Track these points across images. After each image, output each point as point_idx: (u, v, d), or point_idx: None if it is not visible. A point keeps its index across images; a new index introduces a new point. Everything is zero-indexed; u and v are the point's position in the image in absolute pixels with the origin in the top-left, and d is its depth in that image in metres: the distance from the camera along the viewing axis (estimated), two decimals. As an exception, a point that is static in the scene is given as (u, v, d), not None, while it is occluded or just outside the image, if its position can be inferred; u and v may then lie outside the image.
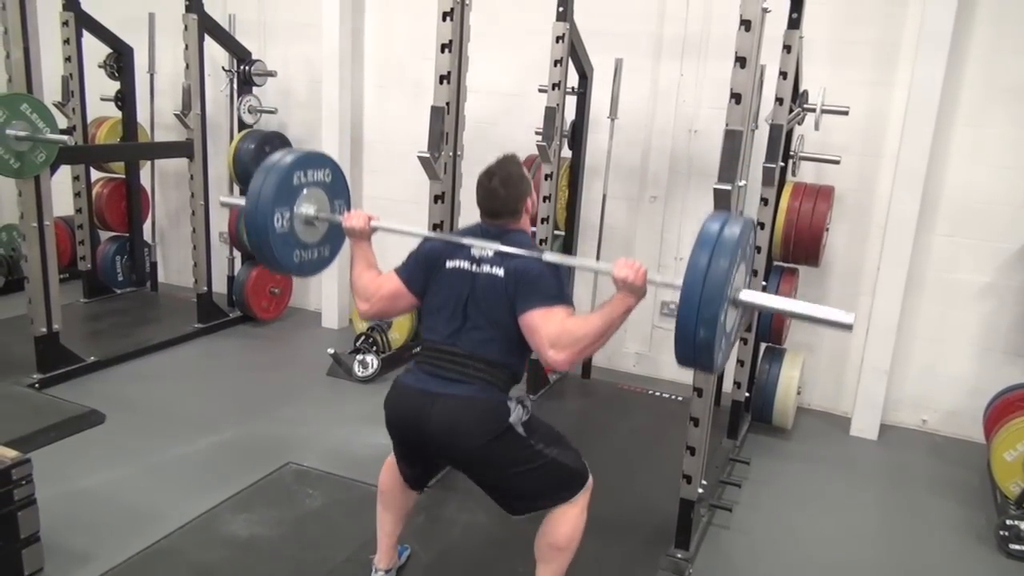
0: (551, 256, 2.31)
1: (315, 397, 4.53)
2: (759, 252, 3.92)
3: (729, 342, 2.14)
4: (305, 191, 2.62)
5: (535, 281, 2.25)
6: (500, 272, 2.29)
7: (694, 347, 1.94)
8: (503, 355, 2.31)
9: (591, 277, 4.88)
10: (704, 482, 3.07)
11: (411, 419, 2.32)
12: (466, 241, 2.38)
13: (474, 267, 2.34)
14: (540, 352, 2.22)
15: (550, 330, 2.18)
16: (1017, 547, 3.27)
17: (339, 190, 2.76)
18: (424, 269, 2.44)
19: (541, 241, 4.34)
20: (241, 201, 2.63)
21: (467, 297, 2.32)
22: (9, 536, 2.65)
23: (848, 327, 2.00)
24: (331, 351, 4.74)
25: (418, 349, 2.44)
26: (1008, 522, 3.30)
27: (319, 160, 2.69)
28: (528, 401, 2.37)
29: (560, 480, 2.36)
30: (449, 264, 2.38)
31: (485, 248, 2.34)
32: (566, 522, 2.36)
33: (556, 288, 2.26)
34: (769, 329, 4.23)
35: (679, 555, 3.04)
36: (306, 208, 2.62)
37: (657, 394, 4.70)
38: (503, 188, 2.40)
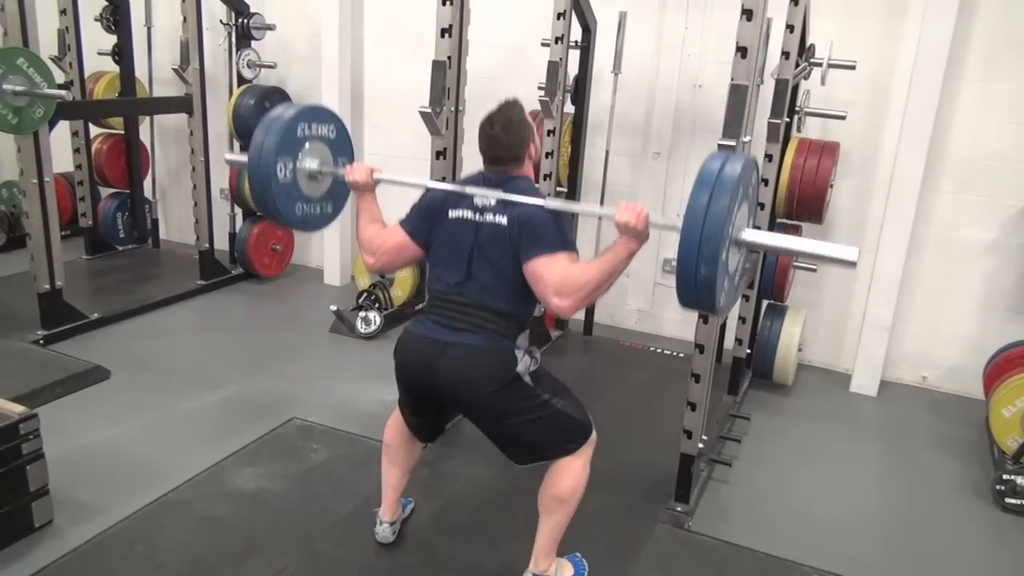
0: (553, 203, 2.30)
1: (318, 353, 4.55)
2: (762, 209, 3.90)
3: (733, 284, 2.12)
4: (308, 144, 2.63)
5: (538, 229, 2.25)
6: (503, 220, 2.29)
7: (696, 286, 1.93)
8: (509, 303, 2.32)
9: (594, 225, 4.86)
10: (704, 437, 3.10)
11: (421, 366, 2.33)
12: (468, 190, 2.37)
13: (477, 216, 2.34)
14: (544, 299, 2.24)
15: (554, 277, 2.20)
16: (1013, 501, 3.32)
17: (343, 147, 2.77)
18: (427, 219, 2.43)
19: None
20: (245, 158, 2.63)
21: (472, 246, 2.33)
22: (19, 489, 2.70)
23: (852, 264, 1.97)
24: (334, 308, 4.75)
25: (426, 299, 2.44)
26: (1005, 476, 3.34)
27: (323, 115, 2.69)
28: (537, 352, 2.38)
29: (565, 431, 2.38)
30: (452, 214, 2.38)
31: (488, 196, 2.33)
32: (569, 474, 2.39)
33: (559, 235, 2.26)
34: (771, 286, 4.23)
35: (679, 508, 3.08)
36: (309, 161, 2.64)
37: (659, 351, 4.72)
38: (504, 135, 2.37)
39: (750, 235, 2.04)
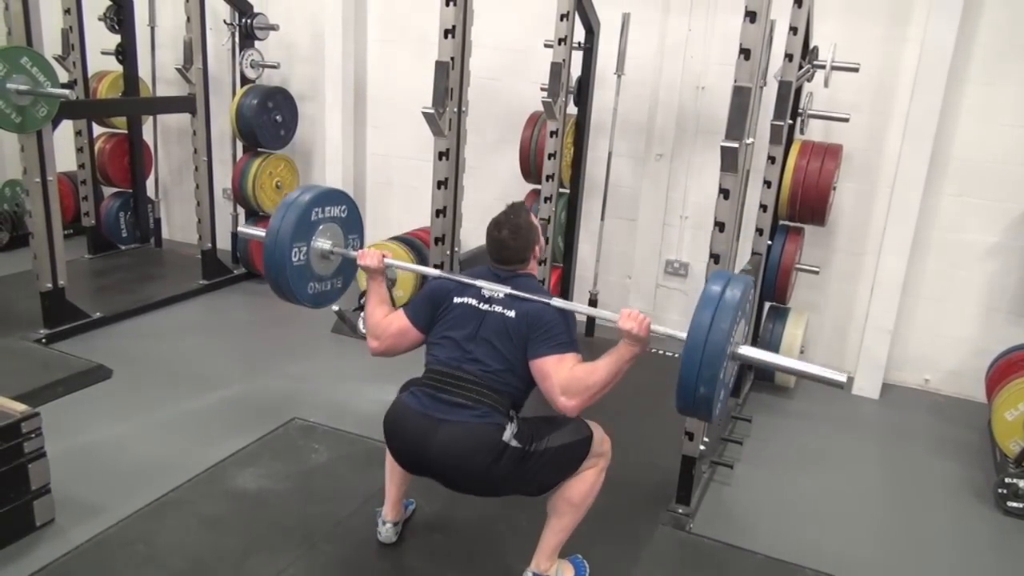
0: (559, 302, 2.38)
1: (320, 354, 4.56)
2: (765, 211, 3.90)
3: (727, 392, 2.26)
4: (321, 226, 2.75)
5: (548, 328, 2.32)
6: (511, 314, 2.36)
7: (694, 402, 2.07)
8: (507, 386, 2.35)
9: (595, 233, 4.86)
10: (706, 439, 3.10)
11: (412, 442, 2.36)
12: (477, 283, 2.43)
13: (483, 305, 2.40)
14: (551, 397, 2.30)
15: (561, 378, 2.27)
16: (1014, 504, 3.31)
17: (354, 225, 2.89)
18: (430, 306, 2.50)
19: (546, 199, 4.32)
20: (260, 232, 2.76)
21: (476, 333, 2.38)
22: (20, 488, 2.70)
23: (840, 385, 2.08)
24: (336, 308, 4.72)
25: (424, 372, 2.47)
26: (1007, 480, 3.33)
27: (337, 197, 2.83)
28: (515, 416, 2.38)
29: (568, 459, 2.40)
30: (457, 300, 2.44)
31: (496, 290, 2.40)
32: (583, 481, 2.42)
33: (567, 335, 2.35)
34: (773, 288, 4.22)
35: (680, 510, 3.08)
36: (322, 242, 2.77)
37: (661, 352, 4.72)
38: (512, 239, 2.47)
39: (745, 351, 2.16)
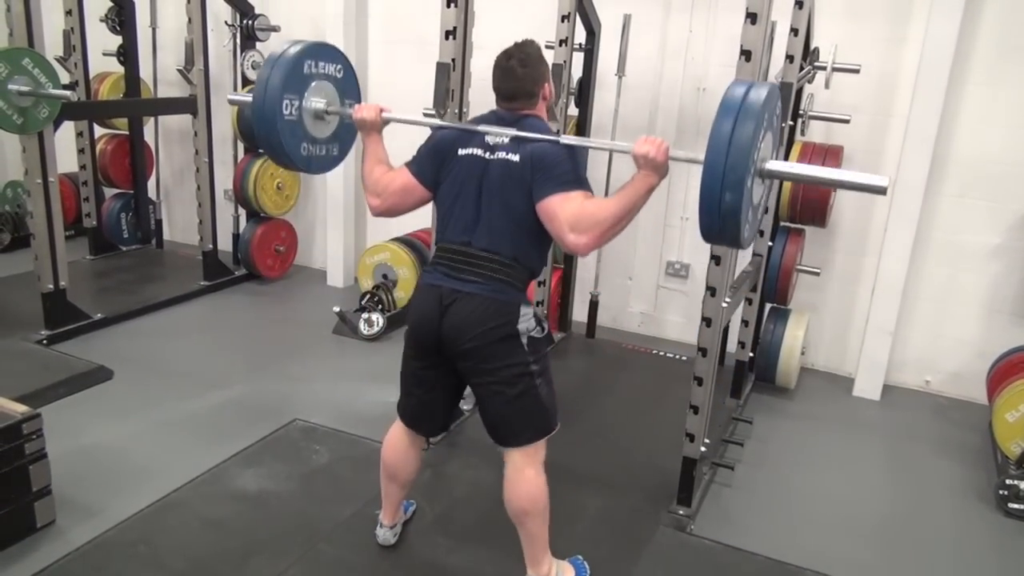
0: (568, 139, 2.26)
1: (321, 355, 4.56)
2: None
3: (756, 217, 2.06)
4: (315, 83, 2.57)
5: (552, 166, 2.20)
6: (515, 158, 2.23)
7: (720, 215, 1.86)
8: (519, 249, 2.27)
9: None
10: (707, 440, 3.10)
11: (429, 317, 2.28)
12: (480, 128, 2.32)
13: (488, 154, 2.28)
14: (560, 238, 2.19)
15: (568, 214, 2.14)
16: (1016, 506, 3.31)
17: (350, 88, 2.72)
18: (435, 159, 2.38)
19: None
20: (249, 98, 2.59)
21: (481, 185, 2.27)
22: (21, 489, 2.70)
23: (883, 190, 1.91)
24: (337, 309, 4.75)
25: (433, 251, 2.41)
26: (1008, 481, 3.33)
27: (331, 53, 2.64)
28: (545, 322, 2.33)
29: (535, 419, 2.33)
30: (462, 151, 2.32)
31: (500, 134, 2.27)
32: (523, 483, 2.34)
33: (573, 172, 2.21)
34: (774, 289, 4.22)
35: (681, 511, 3.08)
36: (315, 100, 2.58)
37: (661, 354, 4.71)
38: (520, 67, 2.33)
39: (775, 165, 1.99)
